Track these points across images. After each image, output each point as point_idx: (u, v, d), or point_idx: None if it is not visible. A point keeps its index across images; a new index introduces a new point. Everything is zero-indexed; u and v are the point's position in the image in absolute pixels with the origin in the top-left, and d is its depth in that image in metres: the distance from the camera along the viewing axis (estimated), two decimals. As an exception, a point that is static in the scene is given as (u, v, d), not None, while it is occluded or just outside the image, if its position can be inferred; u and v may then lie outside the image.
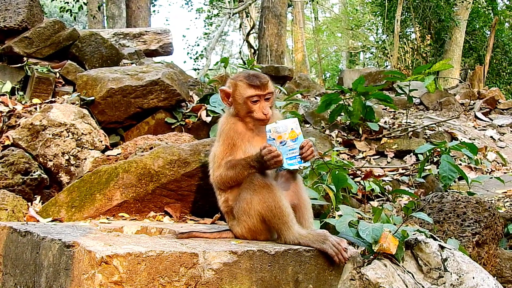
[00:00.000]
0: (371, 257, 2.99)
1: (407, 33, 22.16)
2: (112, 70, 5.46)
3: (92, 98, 5.11)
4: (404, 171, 6.31)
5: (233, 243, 2.32)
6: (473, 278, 2.94)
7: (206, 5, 29.43)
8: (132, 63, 7.11)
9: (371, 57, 30.21)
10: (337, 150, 5.01)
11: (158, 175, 3.32)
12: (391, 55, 19.92)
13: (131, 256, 1.84)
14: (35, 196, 4.01)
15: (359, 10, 28.98)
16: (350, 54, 32.27)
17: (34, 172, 4.17)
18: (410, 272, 3.02)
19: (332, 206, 3.52)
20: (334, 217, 3.39)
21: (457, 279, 2.95)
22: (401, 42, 21.52)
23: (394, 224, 3.33)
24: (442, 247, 3.13)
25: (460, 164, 6.59)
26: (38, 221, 3.04)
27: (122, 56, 7.18)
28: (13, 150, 4.26)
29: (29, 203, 3.66)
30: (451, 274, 2.98)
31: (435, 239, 3.22)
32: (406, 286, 2.87)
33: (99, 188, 3.28)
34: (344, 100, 7.14)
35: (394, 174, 6.20)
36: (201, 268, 2.01)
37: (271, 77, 9.12)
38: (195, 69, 24.10)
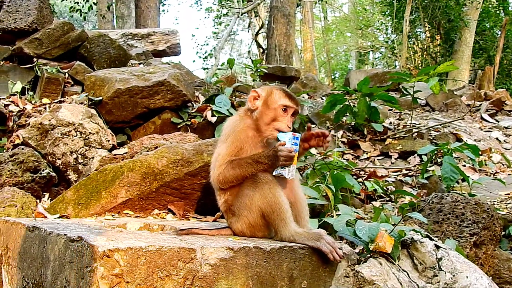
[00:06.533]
0: (367, 255, 3.09)
1: (416, 33, 22.10)
2: (120, 71, 5.58)
3: (100, 98, 5.23)
4: (407, 171, 6.37)
5: (231, 240, 2.42)
6: (467, 277, 3.01)
7: (215, 4, 29.61)
8: (140, 64, 7.23)
9: (380, 57, 30.17)
10: (340, 151, 5.06)
11: (162, 174, 3.42)
12: (400, 55, 19.90)
13: (132, 250, 1.94)
14: (44, 194, 4.13)
15: (368, 10, 28.96)
16: (359, 54, 32.25)
17: (43, 170, 4.28)
18: (405, 271, 3.09)
19: (333, 206, 3.59)
20: (333, 216, 3.46)
21: (451, 278, 3.02)
22: (410, 42, 21.50)
23: (394, 224, 3.41)
24: (437, 247, 3.20)
25: (465, 166, 6.64)
26: (45, 217, 3.15)
27: (130, 57, 7.31)
28: (23, 149, 4.38)
29: (38, 200, 3.77)
30: (445, 273, 3.05)
31: (431, 239, 3.29)
32: (401, 284, 2.95)
33: (105, 186, 3.39)
34: (350, 101, 7.21)
35: (397, 175, 6.25)
36: (199, 263, 2.11)
37: (277, 77, 9.23)
38: (204, 69, 24.25)
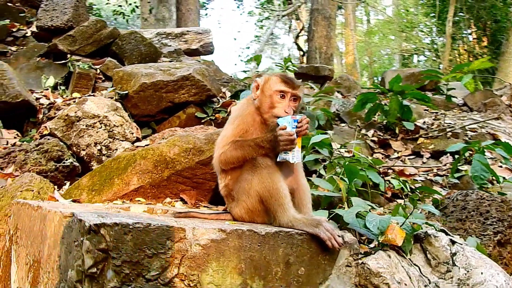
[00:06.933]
0: (377, 247, 3.00)
1: (462, 35, 21.48)
2: (147, 66, 5.67)
3: (126, 92, 5.33)
4: (438, 171, 6.17)
5: (227, 223, 2.39)
6: (481, 273, 2.88)
7: (257, 8, 29.80)
8: (170, 61, 7.33)
9: (425, 60, 29.51)
10: (357, 144, 4.96)
11: (173, 162, 3.44)
12: (443, 57, 19.40)
13: (118, 226, 1.95)
14: (65, 182, 4.24)
15: (411, 12, 28.37)
16: (402, 57, 31.63)
17: (67, 160, 4.40)
18: (416, 265, 2.99)
19: (344, 198, 3.51)
20: (344, 209, 3.38)
21: (465, 274, 2.90)
22: (455, 44, 20.92)
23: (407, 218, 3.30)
24: (453, 242, 3.07)
25: (501, 166, 6.37)
26: (57, 200, 3.23)
27: (161, 54, 7.42)
28: (48, 139, 4.52)
29: (56, 187, 3.86)
30: (459, 268, 2.93)
31: (446, 234, 3.16)
32: (410, 278, 2.85)
33: (118, 173, 3.44)
34: (382, 100, 7.06)
35: (427, 174, 6.07)
36: (189, 243, 2.09)
37: (311, 76, 9.14)
38: (245, 71, 24.39)
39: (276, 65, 9.42)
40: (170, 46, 8.49)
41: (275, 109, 2.55)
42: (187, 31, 9.25)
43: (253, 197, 2.46)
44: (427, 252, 3.05)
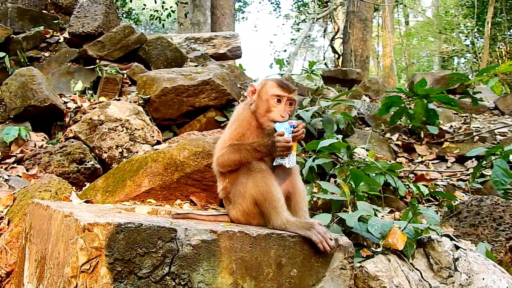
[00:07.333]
0: (378, 251, 3.02)
1: (504, 36, 20.88)
2: (170, 71, 5.83)
3: (148, 96, 5.49)
4: (462, 176, 6.08)
5: (221, 225, 2.48)
6: (483, 279, 2.85)
7: (293, 11, 29.86)
8: (196, 65, 7.48)
9: (465, 62, 28.83)
10: (365, 148, 4.94)
11: (183, 165, 3.56)
12: (482, 59, 18.93)
13: (110, 225, 2.07)
14: (86, 183, 4.42)
15: (450, 13, 27.76)
16: (442, 59, 30.99)
17: (88, 162, 4.58)
18: (418, 270, 2.99)
19: (349, 201, 3.54)
20: (348, 212, 3.42)
21: (466, 279, 2.88)
22: (496, 46, 20.37)
23: (431, 226, 3.31)
24: (457, 247, 3.06)
25: (530, 171, 6.20)
26: (71, 201, 3.39)
27: (187, 59, 7.58)
28: (72, 142, 4.72)
29: (74, 188, 4.04)
30: (460, 274, 2.92)
31: (451, 239, 3.15)
32: (409, 282, 2.86)
33: (130, 175, 3.58)
34: (408, 103, 7.00)
35: (450, 179, 5.99)
36: (180, 243, 2.19)
37: (338, 80, 9.15)
38: (280, 75, 24.44)
39: (302, 69, 9.47)
40: (198, 50, 8.66)
41: (271, 113, 2.62)
42: (215, 35, 9.42)
43: (248, 200, 2.54)
44: (430, 256, 3.05)
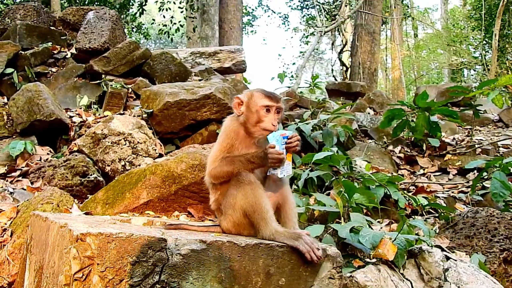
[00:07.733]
0: (369, 262, 3.08)
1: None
2: (173, 85, 5.95)
3: (151, 110, 5.61)
4: (463, 188, 6.11)
5: (212, 235, 2.56)
6: (472, 289, 2.89)
7: (302, 24, 30.07)
8: (200, 80, 7.61)
9: (475, 74, 28.82)
10: (366, 160, 5.01)
11: (180, 177, 3.65)
12: (490, 72, 18.93)
13: (102, 235, 2.16)
14: (89, 196, 4.52)
15: (459, 25, 27.81)
16: (452, 71, 30.97)
17: (91, 175, 4.69)
18: (409, 280, 3.04)
19: (342, 213, 3.61)
20: (340, 223, 3.48)
21: (456, 289, 2.92)
22: (505, 58, 20.36)
23: (421, 237, 3.36)
24: (447, 258, 3.11)
25: (532, 184, 6.21)
26: (71, 213, 3.50)
27: (190, 73, 7.72)
28: (76, 155, 4.84)
29: (75, 200, 4.15)
30: (450, 284, 2.97)
31: (442, 250, 3.20)
32: (398, 292, 2.91)
33: (129, 187, 3.68)
34: (411, 116, 7.06)
35: (451, 191, 6.02)
36: (170, 252, 2.27)
37: (342, 93, 9.27)
38: (288, 87, 24.58)
39: (305, 82, 9.57)
40: (203, 65, 8.81)
41: (262, 123, 2.71)
42: (220, 50, 9.57)
43: (238, 211, 2.62)
44: (421, 267, 3.10)
